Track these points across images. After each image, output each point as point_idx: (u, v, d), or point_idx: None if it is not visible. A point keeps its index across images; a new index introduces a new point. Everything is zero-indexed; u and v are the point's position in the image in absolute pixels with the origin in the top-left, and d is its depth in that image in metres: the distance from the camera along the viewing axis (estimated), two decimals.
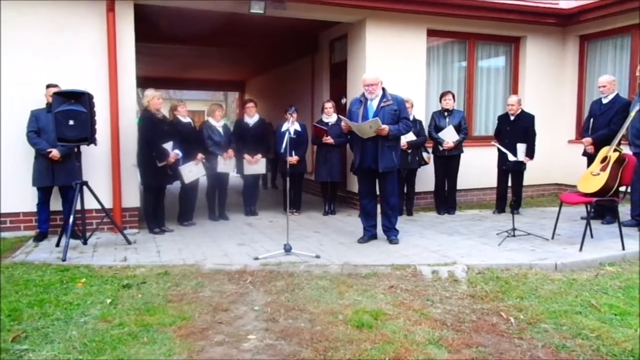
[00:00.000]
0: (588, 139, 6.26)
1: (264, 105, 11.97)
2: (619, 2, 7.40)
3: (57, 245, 5.37)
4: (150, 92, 6.07)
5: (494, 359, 2.91)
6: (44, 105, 5.55)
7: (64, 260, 4.81)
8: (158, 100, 6.01)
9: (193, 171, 6.46)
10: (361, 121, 5.27)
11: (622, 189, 5.27)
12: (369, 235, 5.60)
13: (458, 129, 7.01)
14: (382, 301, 3.82)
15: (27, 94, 5.67)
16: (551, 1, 8.22)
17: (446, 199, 7.34)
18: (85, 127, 5.07)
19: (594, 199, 5.12)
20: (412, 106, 6.83)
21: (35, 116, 5.51)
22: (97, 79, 5.93)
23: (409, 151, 6.86)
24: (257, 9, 6.56)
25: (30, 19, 5.73)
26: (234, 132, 7.34)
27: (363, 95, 5.44)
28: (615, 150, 5.21)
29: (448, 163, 7.16)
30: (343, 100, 8.08)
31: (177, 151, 6.04)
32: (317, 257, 4.90)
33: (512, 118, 6.97)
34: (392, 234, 5.53)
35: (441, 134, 7.02)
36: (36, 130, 5.47)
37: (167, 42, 9.04)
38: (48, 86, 5.53)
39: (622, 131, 5.35)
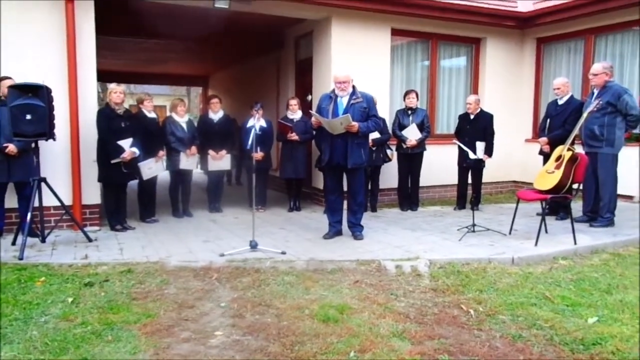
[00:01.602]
0: (544, 139, 6.52)
1: (228, 101, 11.86)
2: (573, 7, 7.73)
3: (13, 243, 5.19)
4: (110, 87, 5.95)
5: (455, 350, 3.02)
6: None
7: (21, 259, 4.66)
8: (115, 94, 5.84)
9: (152, 168, 6.34)
10: (331, 117, 5.32)
11: (575, 186, 5.54)
12: (335, 231, 5.67)
13: (421, 127, 7.15)
14: (347, 296, 3.89)
15: None
16: (510, 4, 8.50)
17: (409, 195, 7.48)
18: (43, 121, 4.92)
19: (549, 196, 5.35)
20: (375, 104, 6.91)
21: None
22: (55, 72, 5.75)
23: (374, 148, 6.96)
24: (222, 3, 6.50)
25: None
26: (198, 127, 7.24)
27: (333, 91, 5.48)
28: (568, 149, 5.45)
29: (411, 160, 7.30)
30: (309, 97, 8.11)
31: (134, 149, 5.88)
32: (283, 253, 4.92)
33: (471, 117, 7.17)
34: (357, 230, 5.61)
35: (404, 132, 7.15)
36: None
37: (128, 35, 8.85)
38: (2, 79, 5.32)
39: (575, 131, 5.60)
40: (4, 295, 3.78)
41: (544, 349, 3.04)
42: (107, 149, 5.76)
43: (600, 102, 5.67)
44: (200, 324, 3.36)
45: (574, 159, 5.37)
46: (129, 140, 5.87)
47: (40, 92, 4.91)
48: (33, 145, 5.11)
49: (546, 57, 8.82)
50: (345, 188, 5.72)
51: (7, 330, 3.19)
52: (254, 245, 5.01)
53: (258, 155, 6.77)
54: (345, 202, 5.83)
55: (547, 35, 8.63)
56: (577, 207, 6.30)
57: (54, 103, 5.17)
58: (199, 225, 6.45)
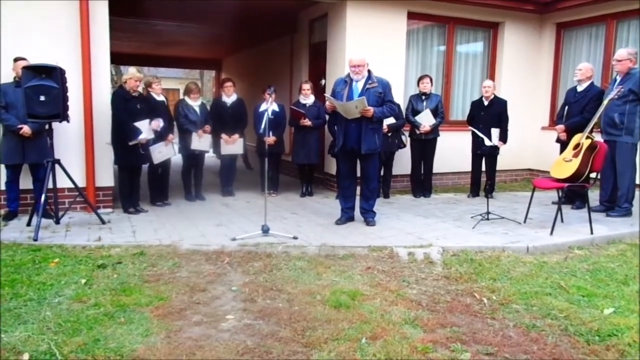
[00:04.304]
0: (561, 126, 6.39)
1: (241, 85, 11.80)
2: None
3: (28, 224, 5.25)
4: (131, 71, 5.94)
5: (468, 339, 2.99)
6: (11, 80, 5.35)
7: (35, 240, 4.71)
8: (135, 82, 5.86)
9: (163, 152, 6.33)
10: (345, 102, 5.25)
11: (593, 175, 5.43)
12: (347, 217, 5.63)
13: (435, 112, 7.05)
14: (359, 282, 3.87)
15: None
16: None
17: (422, 182, 7.41)
18: (57, 103, 4.92)
19: (566, 185, 5.25)
20: (390, 89, 6.83)
21: (2, 91, 5.30)
22: (69, 53, 5.74)
23: (389, 134, 6.88)
24: None
25: None
26: (212, 111, 7.23)
27: (348, 75, 5.40)
28: (587, 137, 5.33)
29: (425, 146, 7.22)
30: (322, 82, 8.03)
31: (145, 136, 5.86)
32: (295, 238, 4.91)
33: (485, 103, 7.04)
34: (369, 216, 5.57)
35: (418, 118, 7.05)
36: (4, 105, 5.27)
37: (142, 17, 8.80)
38: (16, 59, 5.33)
39: (595, 119, 5.48)
40: (18, 275, 3.83)
41: (559, 339, 3.00)
42: (123, 130, 5.76)
43: (622, 90, 5.53)
44: (211, 308, 3.37)
45: (592, 147, 5.26)
46: (146, 122, 5.87)
47: (54, 74, 4.90)
48: (47, 126, 5.13)
49: (566, 42, 8.61)
50: (358, 174, 5.66)
51: (21, 311, 3.22)
52: (265, 230, 5.00)
53: (270, 139, 6.73)
54: (358, 188, 5.78)
55: (567, 20, 8.40)
56: (593, 196, 6.19)
57: (67, 84, 5.16)
58: (211, 209, 6.46)
